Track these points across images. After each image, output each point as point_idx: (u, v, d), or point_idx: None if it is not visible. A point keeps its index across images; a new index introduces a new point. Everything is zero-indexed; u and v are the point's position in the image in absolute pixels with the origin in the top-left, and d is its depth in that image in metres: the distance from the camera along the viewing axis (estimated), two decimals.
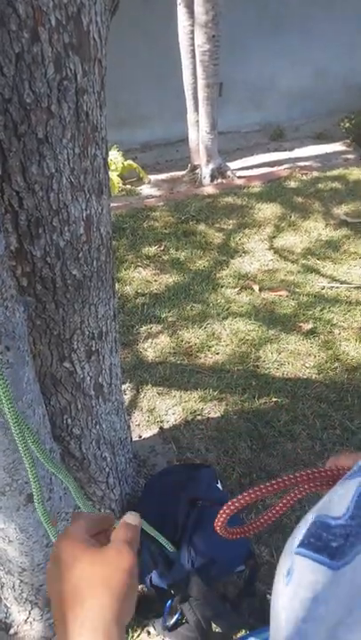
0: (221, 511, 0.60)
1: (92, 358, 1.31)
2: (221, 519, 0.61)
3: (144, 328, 2.88)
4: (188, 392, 2.44)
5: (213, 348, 2.71)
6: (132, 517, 0.60)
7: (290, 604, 0.41)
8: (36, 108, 0.86)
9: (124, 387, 2.41)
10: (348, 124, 5.72)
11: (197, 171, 5.01)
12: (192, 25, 4.20)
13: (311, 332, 2.79)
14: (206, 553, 1.48)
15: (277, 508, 0.64)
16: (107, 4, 0.94)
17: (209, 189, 4.73)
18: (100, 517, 0.60)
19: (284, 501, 0.62)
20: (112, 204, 1.28)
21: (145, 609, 1.56)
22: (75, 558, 0.50)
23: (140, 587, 1.61)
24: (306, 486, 0.59)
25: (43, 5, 0.79)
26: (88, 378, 1.33)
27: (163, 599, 1.52)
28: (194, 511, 1.58)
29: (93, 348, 1.30)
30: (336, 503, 0.46)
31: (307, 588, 0.40)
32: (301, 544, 0.45)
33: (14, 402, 0.74)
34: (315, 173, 4.90)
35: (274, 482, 0.58)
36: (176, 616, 1.51)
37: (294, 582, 0.42)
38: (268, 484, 0.58)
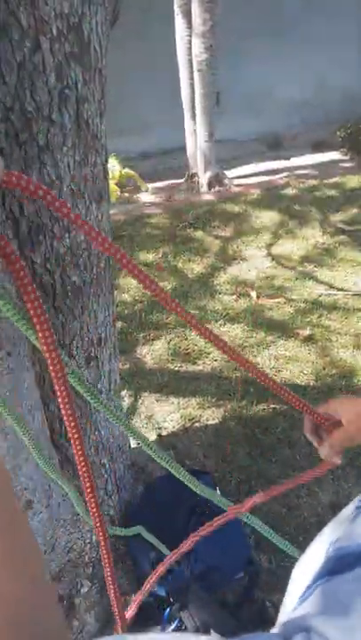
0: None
1: (91, 364, 1.31)
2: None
3: (142, 335, 2.89)
4: (187, 399, 2.44)
5: (211, 355, 2.72)
6: None
7: None
8: (38, 116, 0.87)
9: (122, 393, 2.41)
10: (344, 133, 5.77)
11: (195, 179, 5.04)
12: (190, 35, 4.25)
13: (309, 339, 2.79)
14: (206, 560, 1.47)
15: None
16: (107, 15, 0.96)
17: (207, 197, 4.75)
18: None
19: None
20: (110, 212, 1.29)
21: (143, 616, 1.55)
22: None
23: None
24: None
25: (45, 15, 0.81)
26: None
27: (162, 606, 1.51)
28: (193, 518, 1.57)
29: (93, 354, 1.30)
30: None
31: None
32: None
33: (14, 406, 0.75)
34: (312, 181, 4.93)
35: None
36: (175, 623, 1.50)
37: None
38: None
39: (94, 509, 0.66)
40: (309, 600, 0.41)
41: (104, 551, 0.73)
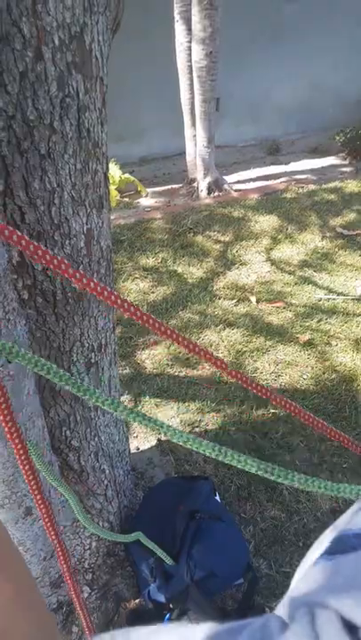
0: None
1: (91, 370, 1.32)
2: None
3: (142, 339, 2.89)
4: (186, 403, 2.44)
5: None
6: None
7: None
8: (39, 124, 0.88)
9: (122, 398, 2.41)
10: (343, 138, 5.79)
11: (195, 184, 5.05)
12: (189, 41, 4.27)
13: (308, 344, 2.80)
14: (205, 566, 1.47)
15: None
16: (109, 24, 0.96)
17: (206, 202, 4.77)
18: None
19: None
20: (110, 217, 1.30)
21: (143, 623, 1.54)
22: None
23: (137, 600, 1.60)
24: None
25: (47, 25, 0.81)
26: None
27: (161, 613, 1.51)
28: (192, 524, 1.57)
29: (93, 360, 1.31)
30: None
31: None
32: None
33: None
34: (311, 186, 4.95)
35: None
36: None
37: None
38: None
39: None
40: (308, 578, 0.41)
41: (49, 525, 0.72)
